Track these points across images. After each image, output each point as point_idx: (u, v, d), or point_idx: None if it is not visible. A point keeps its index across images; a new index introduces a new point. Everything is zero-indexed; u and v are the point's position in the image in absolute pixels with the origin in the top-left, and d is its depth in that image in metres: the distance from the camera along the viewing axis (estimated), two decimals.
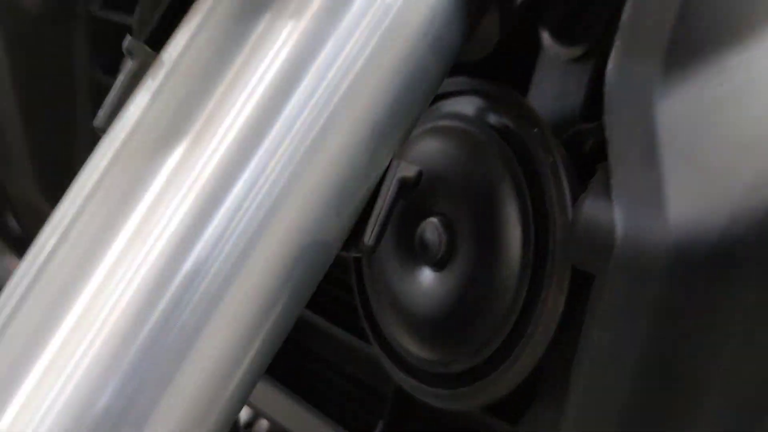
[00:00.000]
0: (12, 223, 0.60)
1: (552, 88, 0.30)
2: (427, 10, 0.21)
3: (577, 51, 0.30)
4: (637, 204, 0.21)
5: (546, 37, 0.30)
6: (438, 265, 0.29)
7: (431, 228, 0.29)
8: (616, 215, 0.21)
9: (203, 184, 0.20)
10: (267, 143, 0.20)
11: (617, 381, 0.22)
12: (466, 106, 0.28)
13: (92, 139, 0.52)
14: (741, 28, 0.25)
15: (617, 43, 0.22)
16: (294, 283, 0.21)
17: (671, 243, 0.21)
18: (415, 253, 0.29)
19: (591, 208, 0.23)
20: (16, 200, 0.57)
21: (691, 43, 0.23)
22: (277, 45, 0.20)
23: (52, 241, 0.21)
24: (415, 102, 0.22)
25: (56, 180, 0.58)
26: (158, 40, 0.23)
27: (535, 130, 0.26)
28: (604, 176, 0.22)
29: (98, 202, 0.21)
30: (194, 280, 0.20)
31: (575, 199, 0.25)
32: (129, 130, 0.22)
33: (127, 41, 0.23)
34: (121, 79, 0.23)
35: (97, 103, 0.55)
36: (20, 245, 0.61)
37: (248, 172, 0.20)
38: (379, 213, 0.22)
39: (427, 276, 0.29)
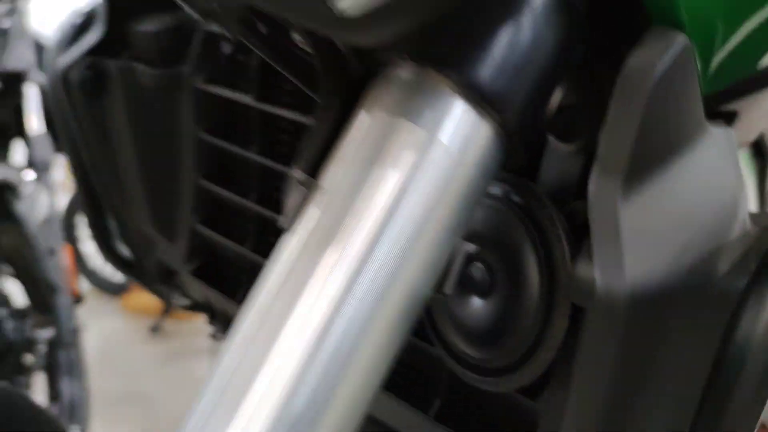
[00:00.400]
0: (124, 250, 0.74)
1: (555, 173, 0.43)
2: (480, 153, 0.35)
3: (572, 147, 0.43)
4: (608, 267, 0.35)
5: (551, 138, 0.43)
6: (482, 295, 0.43)
7: (478, 270, 0.42)
8: (596, 273, 0.35)
9: (356, 267, 0.33)
10: (395, 239, 0.33)
11: (600, 374, 0.36)
12: (498, 191, 0.42)
13: (194, 185, 0.66)
14: (677, 143, 0.38)
15: (595, 166, 0.36)
16: (410, 318, 0.34)
17: (628, 291, 0.34)
18: (467, 286, 0.43)
19: (582, 267, 0.37)
20: (131, 232, 0.70)
21: (642, 162, 0.36)
22: (395, 179, 0.33)
23: (254, 313, 0.34)
24: (473, 205, 0.36)
25: (165, 216, 0.71)
26: (316, 169, 0.36)
27: (545, 209, 0.40)
28: (589, 248, 0.36)
29: (284, 285, 0.34)
30: (351, 321, 0.33)
31: (573, 256, 0.39)
32: (305, 234, 0.35)
33: (297, 173, 0.36)
34: (295, 196, 0.36)
35: (199, 158, 0.70)
36: (130, 267, 0.75)
37: (385, 256, 0.33)
38: (455, 274, 0.36)
39: (475, 302, 0.43)
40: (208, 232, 0.66)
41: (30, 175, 1.79)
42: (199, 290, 0.70)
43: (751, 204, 0.68)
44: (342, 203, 0.34)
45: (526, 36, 0.35)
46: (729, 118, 0.47)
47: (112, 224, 0.73)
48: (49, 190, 1.84)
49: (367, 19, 0.29)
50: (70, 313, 1.84)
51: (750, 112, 0.50)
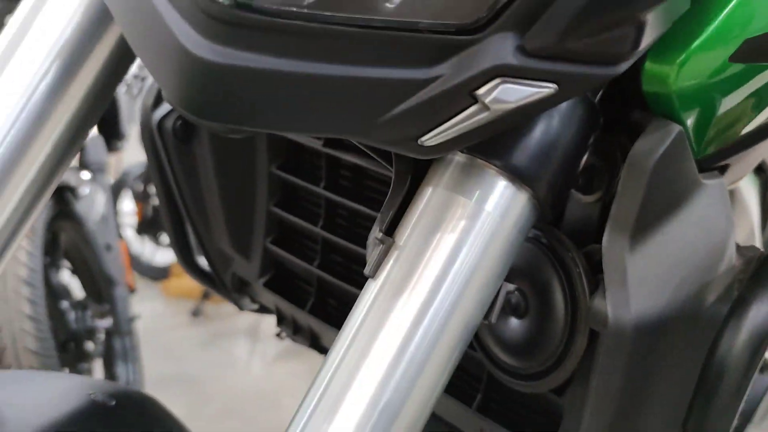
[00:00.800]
0: (203, 263, 0.86)
1: (577, 219, 0.54)
2: (517, 217, 0.45)
3: (590, 198, 0.54)
4: (618, 303, 0.46)
5: (573, 191, 0.54)
6: (519, 316, 0.54)
7: (515, 296, 0.53)
8: (608, 307, 0.46)
9: (425, 305, 0.43)
10: (454, 284, 0.43)
11: (612, 382, 0.47)
12: (530, 234, 0.53)
13: (266, 211, 0.77)
14: (675, 202, 0.48)
15: (608, 225, 0.46)
16: (466, 339, 0.45)
17: (633, 320, 0.45)
18: (506, 309, 0.54)
19: (597, 301, 0.47)
20: (211, 250, 0.82)
21: (646, 221, 0.46)
22: (452, 239, 0.44)
23: (347, 337, 0.45)
24: (513, 255, 0.46)
25: (241, 237, 0.83)
26: (392, 230, 0.47)
27: (568, 251, 0.51)
28: (602, 286, 0.47)
29: (370, 317, 0.45)
30: (422, 343, 0.44)
31: (591, 290, 0.50)
32: (385, 280, 0.46)
33: (377, 233, 0.47)
34: (377, 251, 0.47)
35: (271, 189, 0.81)
36: (208, 280, 0.87)
37: (446, 297, 0.43)
38: (498, 307, 0.47)
39: (513, 321, 0.54)
40: (278, 251, 0.78)
41: (86, 175, 1.92)
42: (270, 299, 0.82)
43: (754, 217, 0.77)
44: (413, 257, 0.45)
45: (553, 129, 0.45)
46: (722, 170, 0.56)
47: (192, 242, 0.85)
48: (104, 189, 1.97)
49: (439, 148, 0.40)
50: (126, 304, 1.98)
51: (740, 162, 0.59)
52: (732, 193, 0.70)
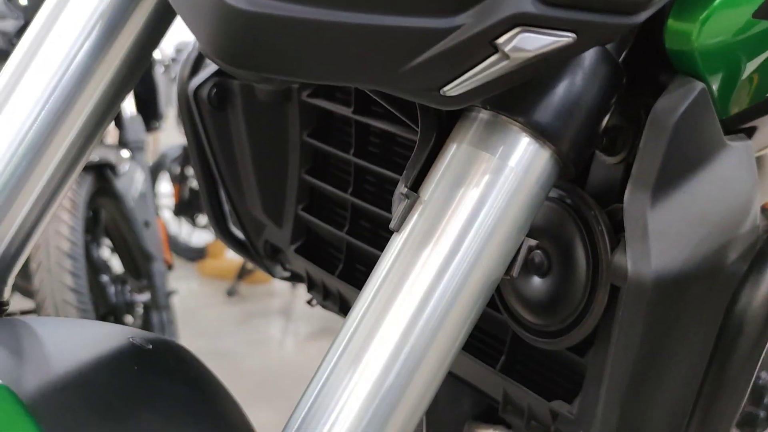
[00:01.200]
0: (236, 232, 0.88)
1: (600, 180, 0.55)
2: (540, 173, 0.46)
3: (614, 159, 0.54)
4: (637, 257, 0.46)
5: (597, 152, 0.55)
6: (541, 275, 0.55)
7: (538, 255, 0.54)
8: (628, 262, 0.47)
9: (448, 258, 0.44)
10: (477, 238, 0.44)
11: (632, 337, 0.48)
12: (555, 194, 0.54)
13: (298, 179, 0.79)
14: (698, 161, 0.49)
15: (630, 182, 0.47)
16: (487, 295, 0.47)
17: (653, 276, 0.46)
18: (530, 268, 0.55)
19: (618, 256, 0.48)
20: (244, 217, 0.84)
21: (667, 178, 0.47)
22: (476, 194, 0.45)
23: (371, 290, 0.46)
24: (535, 211, 0.48)
25: (274, 204, 0.85)
26: (417, 185, 0.48)
27: (591, 210, 0.52)
28: (623, 242, 0.48)
29: (394, 270, 0.46)
30: (443, 296, 0.45)
31: (612, 247, 0.50)
32: (410, 234, 0.47)
33: (402, 188, 0.48)
34: (402, 206, 0.48)
35: (303, 157, 0.84)
36: (242, 248, 0.90)
37: (469, 251, 0.45)
38: (520, 261, 0.48)
39: (535, 280, 0.55)
40: (309, 218, 0.80)
41: (125, 153, 1.97)
42: (301, 265, 0.84)
43: None
44: (437, 212, 0.46)
45: (576, 86, 0.46)
46: (749, 133, 0.57)
47: (227, 211, 0.87)
48: (142, 167, 2.02)
49: (462, 98, 0.41)
50: (164, 279, 2.03)
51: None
52: (762, 159, 0.70)
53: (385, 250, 0.48)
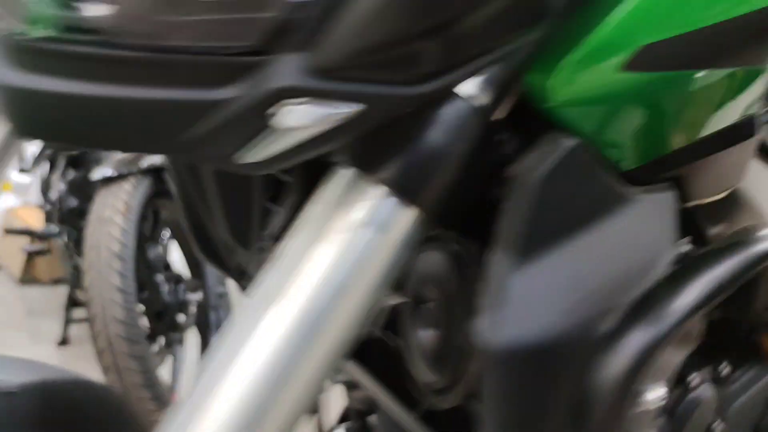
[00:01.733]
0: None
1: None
2: (402, 230, 0.44)
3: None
4: (492, 324, 0.44)
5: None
6: (431, 327, 0.53)
7: (426, 307, 0.53)
8: (482, 328, 0.44)
9: (295, 317, 0.45)
10: (327, 297, 0.44)
11: (495, 401, 0.46)
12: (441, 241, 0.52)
13: (261, 206, 0.81)
14: (580, 220, 0.46)
15: (495, 245, 0.45)
16: (339, 354, 0.46)
17: (503, 345, 0.43)
18: (420, 320, 0.54)
19: (478, 321, 0.46)
20: (217, 239, 0.87)
21: (537, 240, 0.44)
22: (333, 251, 0.44)
23: (221, 349, 0.46)
24: (398, 267, 0.46)
25: (240, 229, 0.88)
26: (281, 238, 0.48)
27: (468, 268, 0.50)
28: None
29: (239, 335, 0.46)
30: (288, 351, 0.45)
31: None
32: (259, 291, 0.47)
33: (260, 243, 0.48)
34: (258, 259, 0.48)
35: (266, 186, 0.83)
36: (225, 268, 0.92)
37: (316, 312, 0.45)
38: (378, 320, 0.47)
39: (426, 333, 0.54)
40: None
41: None
42: None
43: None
44: (287, 269, 0.45)
45: (438, 142, 0.44)
46: (676, 182, 0.52)
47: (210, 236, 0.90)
48: None
49: (262, 165, 0.40)
50: (216, 279, 2.10)
51: (703, 173, 0.54)
52: (734, 194, 0.64)
53: (236, 306, 0.48)
